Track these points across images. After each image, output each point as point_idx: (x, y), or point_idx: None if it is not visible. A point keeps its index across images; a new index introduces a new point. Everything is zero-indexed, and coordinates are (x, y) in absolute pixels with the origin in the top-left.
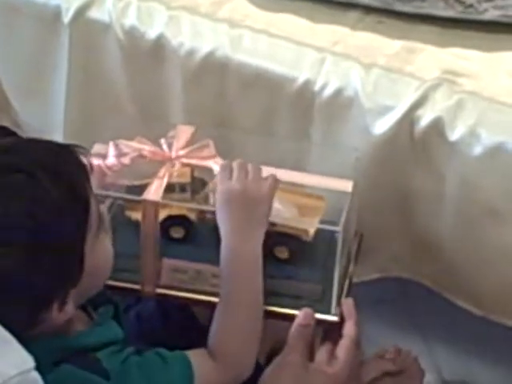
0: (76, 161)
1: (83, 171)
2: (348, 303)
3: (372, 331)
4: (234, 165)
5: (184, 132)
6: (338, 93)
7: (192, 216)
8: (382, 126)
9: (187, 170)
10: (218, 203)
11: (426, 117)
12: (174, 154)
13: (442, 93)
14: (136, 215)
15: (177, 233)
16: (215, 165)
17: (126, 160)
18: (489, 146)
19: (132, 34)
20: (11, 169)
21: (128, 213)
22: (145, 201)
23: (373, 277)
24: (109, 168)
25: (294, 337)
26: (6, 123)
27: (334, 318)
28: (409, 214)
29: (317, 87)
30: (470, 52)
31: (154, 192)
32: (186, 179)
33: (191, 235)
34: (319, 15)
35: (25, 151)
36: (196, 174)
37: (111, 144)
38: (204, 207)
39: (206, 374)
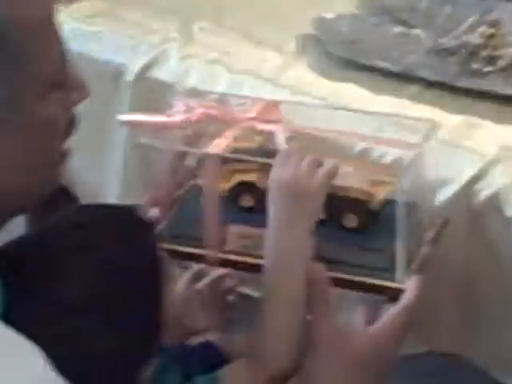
0: (138, 220)
1: (147, 228)
2: (416, 279)
3: None
4: (293, 153)
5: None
6: (397, 162)
7: (262, 184)
8: (439, 199)
9: (258, 137)
10: (269, 189)
11: (483, 192)
12: (241, 116)
13: (500, 169)
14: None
15: (246, 201)
16: (278, 131)
17: (193, 116)
18: None
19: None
20: (79, 246)
21: (199, 180)
22: (205, 154)
23: (422, 350)
24: (176, 125)
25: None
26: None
27: (396, 285)
28: (462, 286)
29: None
30: None
31: (216, 146)
32: (253, 144)
33: (260, 203)
34: (380, 86)
35: (88, 223)
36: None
37: (178, 100)
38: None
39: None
